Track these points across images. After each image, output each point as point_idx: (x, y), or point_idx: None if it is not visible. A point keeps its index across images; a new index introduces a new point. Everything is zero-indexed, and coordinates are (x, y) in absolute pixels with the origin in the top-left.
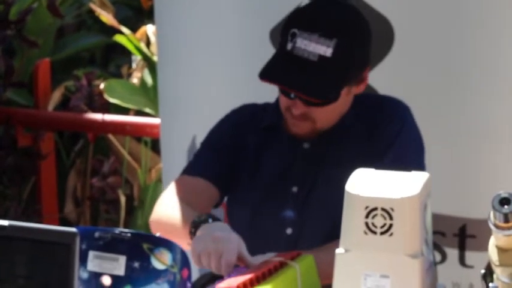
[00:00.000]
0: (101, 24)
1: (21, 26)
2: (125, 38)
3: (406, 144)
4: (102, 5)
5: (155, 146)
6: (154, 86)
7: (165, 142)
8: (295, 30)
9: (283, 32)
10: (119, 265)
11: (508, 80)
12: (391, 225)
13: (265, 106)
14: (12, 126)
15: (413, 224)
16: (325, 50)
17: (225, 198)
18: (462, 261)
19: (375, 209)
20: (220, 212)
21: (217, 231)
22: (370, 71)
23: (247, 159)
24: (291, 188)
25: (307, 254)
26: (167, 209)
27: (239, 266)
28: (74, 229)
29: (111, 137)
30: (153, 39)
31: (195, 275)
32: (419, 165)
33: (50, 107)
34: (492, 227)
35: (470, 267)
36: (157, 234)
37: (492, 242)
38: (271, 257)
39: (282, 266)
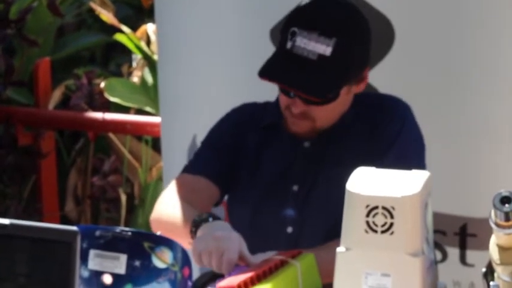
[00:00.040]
0: (101, 23)
1: (22, 25)
2: (125, 36)
3: (407, 143)
4: (103, 4)
5: (156, 145)
6: (155, 85)
7: (166, 141)
8: (295, 29)
9: (283, 31)
10: (119, 264)
11: (508, 80)
12: (391, 224)
13: (266, 105)
14: (12, 125)
15: (414, 222)
16: (325, 49)
17: (226, 197)
18: (463, 260)
19: (376, 207)
20: (220, 210)
21: (218, 230)
22: (371, 70)
23: (248, 158)
24: (292, 187)
25: (308, 253)
26: (168, 208)
27: (239, 265)
28: (74, 228)
29: (111, 135)
30: (153, 38)
31: (196, 273)
32: (420, 164)
33: (51, 105)
34: (493, 225)
35: (471, 266)
36: (158, 233)
37: (493, 241)
38: (272, 255)
39: (282, 264)
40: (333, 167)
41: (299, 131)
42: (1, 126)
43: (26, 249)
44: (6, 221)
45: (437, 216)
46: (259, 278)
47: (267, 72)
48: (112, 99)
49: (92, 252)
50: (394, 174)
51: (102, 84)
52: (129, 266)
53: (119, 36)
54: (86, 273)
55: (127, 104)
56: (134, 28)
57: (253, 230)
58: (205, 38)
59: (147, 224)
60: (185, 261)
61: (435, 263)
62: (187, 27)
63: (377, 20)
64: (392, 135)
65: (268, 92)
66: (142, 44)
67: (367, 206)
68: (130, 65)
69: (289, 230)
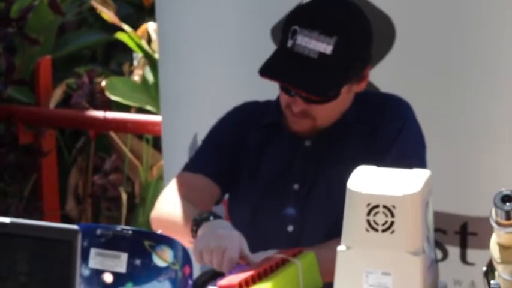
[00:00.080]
0: (102, 22)
1: (23, 24)
2: (126, 35)
3: (408, 142)
4: (104, 3)
5: (157, 144)
6: (156, 84)
7: (167, 139)
8: (296, 27)
9: (284, 29)
10: (120, 262)
11: (508, 80)
12: (392, 223)
13: (267, 103)
14: (13, 124)
15: (414, 221)
16: (325, 47)
17: (226, 196)
18: (464, 258)
19: (377, 206)
20: (221, 209)
21: (219, 228)
22: (372, 68)
23: (249, 156)
24: (292, 186)
25: (308, 251)
26: (168, 206)
27: (240, 264)
28: (75, 226)
29: (112, 134)
30: (154, 36)
31: (197, 272)
32: (421, 162)
33: (51, 104)
34: (494, 224)
35: (472, 264)
36: (159, 232)
37: (494, 240)
38: (272, 254)
39: (283, 263)
40: (333, 166)
41: (299, 129)
42: (2, 125)
43: (27, 247)
44: (7, 220)
45: (437, 215)
46: (260, 277)
47: (267, 70)
48: (113, 97)
49: (93, 251)
50: (395, 173)
51: (103, 83)
52: (130, 264)
53: (120, 35)
54: (86, 272)
55: (128, 102)
56: (135, 27)
57: (253, 229)
58: (206, 37)
59: (148, 222)
60: (186, 259)
61: (436, 261)
62: (188, 26)
63: (378, 18)
64: (393, 134)
65: (269, 90)
66: (143, 43)
67: (368, 205)
68: (131, 64)
69: (290, 228)
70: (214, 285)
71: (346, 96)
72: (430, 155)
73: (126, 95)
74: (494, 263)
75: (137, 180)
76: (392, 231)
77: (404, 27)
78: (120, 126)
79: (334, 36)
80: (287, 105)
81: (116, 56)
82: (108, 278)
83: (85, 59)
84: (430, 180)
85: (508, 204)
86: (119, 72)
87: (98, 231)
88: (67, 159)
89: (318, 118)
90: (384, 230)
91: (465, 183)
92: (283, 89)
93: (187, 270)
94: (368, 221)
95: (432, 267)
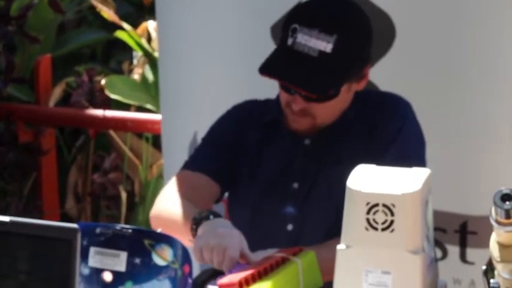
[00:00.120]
0: (102, 20)
1: (23, 22)
2: (126, 34)
3: (408, 141)
4: (103, 1)
5: (156, 142)
6: (156, 82)
7: (166, 138)
8: (296, 26)
9: (284, 27)
10: (120, 261)
11: (508, 80)
12: (392, 222)
13: (266, 102)
14: (13, 122)
15: (414, 220)
16: (325, 45)
17: (226, 194)
18: (463, 257)
19: (376, 205)
20: (221, 207)
21: (219, 227)
22: (371, 67)
23: (248, 155)
24: (292, 184)
25: (309, 250)
26: (168, 205)
27: (240, 263)
28: (75, 225)
29: (112, 133)
30: (154, 35)
31: (196, 271)
32: (421, 162)
33: (51, 103)
34: (493, 223)
35: (471, 263)
36: (159, 230)
37: (493, 238)
38: (272, 253)
39: (283, 261)
40: (333, 165)
41: (299, 128)
42: (2, 123)
43: (27, 246)
44: (6, 219)
45: (437, 214)
46: (260, 275)
47: (267, 68)
48: (113, 96)
49: (92, 250)
50: (395, 172)
51: (103, 82)
52: (130, 263)
53: (119, 34)
54: (86, 271)
55: (128, 101)
56: (135, 25)
57: (253, 228)
58: (206, 36)
59: (148, 221)
60: (185, 258)
61: (435, 260)
62: (188, 25)
63: (378, 17)
64: (393, 133)
65: (268, 89)
66: (143, 41)
67: (368, 204)
68: (131, 62)
69: (290, 227)
70: (214, 284)
71: (346, 95)
72: (429, 154)
73: (126, 93)
74: (494, 262)
75: (137, 179)
76: (392, 230)
77: (404, 26)
78: (120, 125)
79: (334, 35)
80: (287, 104)
81: (115, 55)
82: (107, 276)
83: (85, 57)
84: (429, 179)
85: (507, 203)
86: (119, 71)
87: (98, 230)
88: (67, 157)
89: (317, 116)
90: (383, 229)
91: (465, 183)
92: (283, 87)
93: (186, 269)
94: (368, 220)
95: (432, 266)
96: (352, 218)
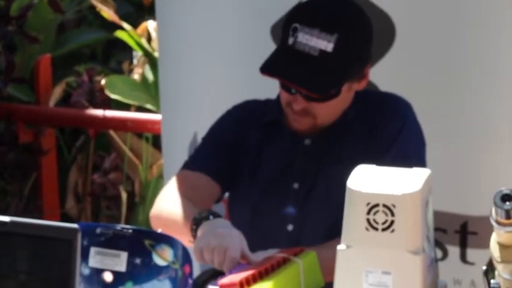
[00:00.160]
0: (102, 20)
1: (22, 22)
2: (126, 33)
3: (408, 142)
4: (103, 1)
5: (156, 142)
6: (156, 82)
7: (166, 138)
8: (297, 25)
9: (284, 27)
10: (120, 261)
11: (508, 80)
12: (392, 222)
13: (267, 102)
14: (13, 122)
15: (414, 220)
16: (326, 45)
17: (226, 194)
18: (463, 258)
19: (377, 205)
20: (221, 207)
21: (219, 227)
22: (371, 67)
23: (249, 155)
24: (292, 185)
25: (310, 251)
26: (168, 204)
27: (240, 263)
28: (75, 225)
29: (112, 133)
30: (154, 35)
31: (197, 271)
32: (421, 162)
33: (51, 103)
34: (494, 223)
35: (472, 264)
36: (159, 231)
37: (494, 239)
38: (273, 253)
39: (284, 262)
40: (333, 165)
41: (300, 128)
42: (2, 124)
43: (27, 246)
44: (6, 219)
45: (437, 214)
46: (261, 275)
47: (268, 68)
48: (113, 96)
49: (93, 250)
50: (395, 172)
51: (103, 82)
52: (130, 263)
53: (119, 33)
54: (86, 271)
55: (128, 101)
56: (135, 25)
57: (253, 228)
58: (206, 36)
59: (148, 221)
60: (186, 258)
61: (436, 261)
62: (188, 25)
63: (378, 17)
64: (393, 134)
65: (268, 89)
66: (143, 41)
67: (368, 204)
68: (131, 62)
69: (290, 228)
70: (215, 284)
71: (346, 95)
72: (429, 154)
73: (126, 93)
74: (494, 262)
75: (137, 179)
76: (392, 230)
77: (404, 26)
78: (120, 125)
79: (335, 34)
80: (288, 104)
81: (115, 55)
82: (108, 277)
83: (85, 57)
84: (430, 179)
85: (508, 203)
86: (119, 71)
87: (98, 230)
88: (67, 157)
89: (318, 116)
90: (383, 229)
91: (465, 183)
92: (284, 87)
93: (187, 269)
94: (368, 220)
95: (432, 266)
96: (353, 218)
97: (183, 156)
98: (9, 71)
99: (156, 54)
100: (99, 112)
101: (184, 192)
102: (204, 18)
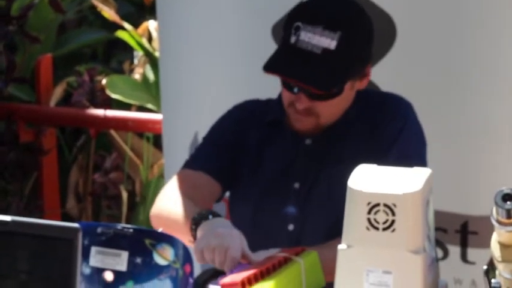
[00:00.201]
0: (102, 20)
1: (23, 22)
2: (126, 33)
3: (409, 142)
4: (104, 1)
5: (157, 142)
6: (156, 82)
7: (167, 138)
8: (299, 24)
9: (286, 26)
10: (121, 261)
11: (508, 80)
12: (393, 221)
13: (268, 102)
14: (14, 122)
15: (415, 220)
16: (330, 42)
17: (227, 194)
18: (464, 257)
19: (377, 204)
20: (222, 206)
21: (219, 227)
22: (372, 67)
23: (249, 155)
24: (293, 184)
25: (311, 250)
26: (168, 203)
27: (240, 263)
28: (76, 224)
29: (113, 132)
30: (155, 34)
31: (197, 270)
32: (422, 162)
33: (52, 102)
34: (495, 223)
35: (472, 263)
36: (160, 230)
37: (494, 238)
38: (274, 253)
39: (286, 261)
40: (334, 165)
41: (302, 128)
42: (3, 123)
43: (28, 246)
44: (7, 218)
45: (438, 214)
46: (263, 275)
47: (272, 66)
48: (113, 96)
49: (94, 249)
50: (396, 172)
51: (104, 81)
52: (131, 263)
53: (120, 33)
54: (87, 270)
55: (128, 101)
56: (136, 25)
57: (254, 228)
58: (206, 36)
59: (148, 221)
60: (186, 258)
61: (436, 260)
62: (189, 25)
63: (379, 17)
64: (394, 134)
65: (269, 89)
66: (144, 41)
67: (369, 203)
68: (131, 62)
69: (291, 227)
70: (215, 283)
71: (349, 93)
72: (430, 154)
73: (127, 93)
74: (495, 262)
75: (138, 179)
76: (393, 230)
77: (405, 26)
78: (121, 125)
79: (338, 32)
80: (290, 104)
81: (116, 54)
82: (108, 276)
83: (86, 57)
84: (430, 179)
85: (508, 202)
86: (120, 71)
87: (99, 230)
88: (67, 157)
89: (321, 115)
90: (384, 229)
91: (465, 183)
92: (286, 86)
93: (188, 268)
94: (369, 220)
95: (433, 266)
96: (353, 217)
97: (183, 156)
98: (10, 70)
99: (157, 54)
100: (100, 112)
101: (185, 191)
102: (205, 18)
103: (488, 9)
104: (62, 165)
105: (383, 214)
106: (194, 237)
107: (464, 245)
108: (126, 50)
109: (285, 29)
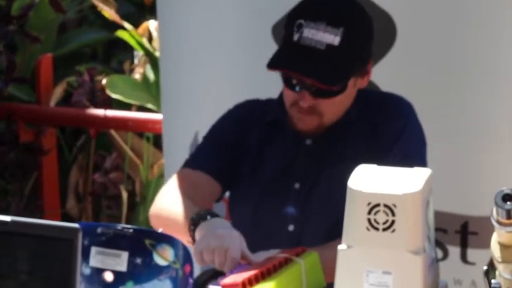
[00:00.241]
0: (103, 20)
1: (23, 22)
2: (127, 33)
3: (410, 142)
4: (104, 1)
5: (157, 142)
6: (157, 82)
7: (167, 138)
8: (302, 21)
9: (288, 24)
10: (121, 261)
11: (508, 80)
12: (393, 222)
13: (268, 101)
14: (14, 122)
15: (415, 220)
16: (333, 38)
17: (227, 194)
18: (464, 258)
19: (377, 205)
20: (222, 206)
21: (218, 228)
22: (373, 67)
23: (249, 154)
24: (293, 185)
25: (312, 251)
26: (168, 203)
27: (240, 263)
28: (76, 225)
29: (113, 132)
30: (155, 34)
31: (197, 271)
32: (422, 162)
33: (52, 102)
34: (495, 223)
35: (472, 264)
36: (160, 230)
37: (494, 239)
38: (274, 253)
39: (286, 262)
40: (334, 165)
41: (304, 127)
42: (3, 123)
43: (28, 246)
44: (7, 218)
45: (438, 214)
46: (263, 276)
47: (275, 63)
48: (114, 96)
49: (93, 250)
50: (396, 172)
51: (104, 81)
52: (131, 263)
53: (120, 33)
54: (87, 271)
55: (129, 100)
56: (136, 25)
57: (254, 228)
58: (207, 36)
59: (148, 221)
60: (186, 258)
61: (436, 261)
62: (189, 25)
63: (379, 17)
64: (395, 134)
65: (270, 89)
66: (144, 41)
67: (369, 204)
68: (132, 62)
69: (291, 228)
70: (215, 284)
71: (351, 91)
72: (430, 154)
73: (127, 93)
74: (495, 262)
75: (138, 179)
76: (393, 230)
77: (405, 26)
78: (121, 125)
79: (341, 28)
80: (293, 103)
81: (116, 54)
82: (108, 276)
83: (86, 57)
84: (430, 179)
85: (508, 203)
86: (120, 71)
87: (99, 230)
88: (67, 157)
89: (325, 114)
90: (384, 229)
91: (465, 183)
92: (288, 85)
93: (188, 268)
94: (369, 220)
95: (433, 266)
96: (353, 218)
97: (184, 156)
98: (10, 70)
99: (157, 53)
100: (100, 112)
101: (184, 190)
102: (205, 18)
103: (488, 9)
104: (62, 165)
105: (383, 214)
106: (193, 237)
107: (464, 245)
108: (126, 49)
109: (286, 27)
